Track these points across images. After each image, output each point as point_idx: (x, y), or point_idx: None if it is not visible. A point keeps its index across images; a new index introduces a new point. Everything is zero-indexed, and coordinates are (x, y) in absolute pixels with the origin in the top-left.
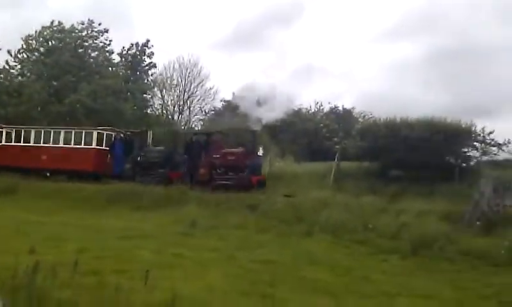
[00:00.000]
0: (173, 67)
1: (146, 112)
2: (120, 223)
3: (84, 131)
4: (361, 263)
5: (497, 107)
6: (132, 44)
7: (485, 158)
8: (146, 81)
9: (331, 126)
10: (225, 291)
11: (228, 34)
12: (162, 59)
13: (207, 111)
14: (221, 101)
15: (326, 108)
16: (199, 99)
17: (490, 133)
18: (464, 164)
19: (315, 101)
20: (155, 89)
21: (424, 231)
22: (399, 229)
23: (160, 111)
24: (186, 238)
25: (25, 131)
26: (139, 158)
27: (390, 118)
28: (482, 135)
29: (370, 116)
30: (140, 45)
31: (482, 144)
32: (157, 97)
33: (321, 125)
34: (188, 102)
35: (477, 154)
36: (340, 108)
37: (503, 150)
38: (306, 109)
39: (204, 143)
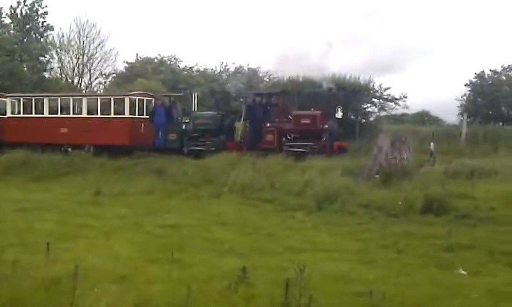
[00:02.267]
0: (70, 27)
1: (44, 75)
2: (18, 194)
3: (112, 97)
4: (268, 221)
5: (399, 63)
6: (19, 1)
7: (383, 113)
8: (43, 42)
9: (236, 86)
10: (132, 259)
11: None
12: (59, 21)
13: (107, 74)
14: (124, 62)
15: (231, 68)
16: (99, 61)
17: (387, 89)
18: (364, 120)
19: (220, 61)
20: (53, 51)
21: (327, 186)
22: (304, 186)
23: (59, 74)
24: (91, 206)
25: (36, 100)
26: (184, 126)
27: (294, 76)
28: (379, 91)
29: (275, 75)
30: (30, 3)
31: (380, 100)
32: (55, 60)
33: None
34: (88, 64)
35: (376, 110)
36: (246, 68)
37: (399, 105)
38: (212, 69)
39: (267, 105)
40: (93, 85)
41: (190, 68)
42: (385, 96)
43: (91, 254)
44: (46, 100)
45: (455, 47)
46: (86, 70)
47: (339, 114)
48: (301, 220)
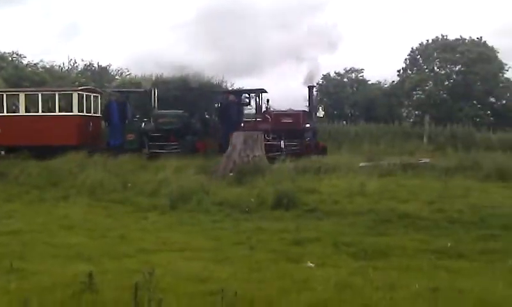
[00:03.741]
0: None
1: None
2: None
3: (56, 93)
4: (120, 223)
5: (257, 66)
6: None
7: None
8: None
9: (88, 84)
10: None
11: None
12: None
13: None
14: None
15: (81, 65)
16: None
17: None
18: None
19: (68, 57)
20: None
21: (182, 185)
22: (158, 186)
23: None
24: None
25: None
26: (143, 125)
27: (147, 75)
28: None
29: (128, 72)
30: None
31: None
32: None
33: (76, 83)
34: None
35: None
36: (96, 65)
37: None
38: (59, 66)
39: (240, 104)
40: None
41: (35, 64)
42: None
43: None
44: None
45: (305, 50)
46: None
47: (321, 113)
48: (154, 221)
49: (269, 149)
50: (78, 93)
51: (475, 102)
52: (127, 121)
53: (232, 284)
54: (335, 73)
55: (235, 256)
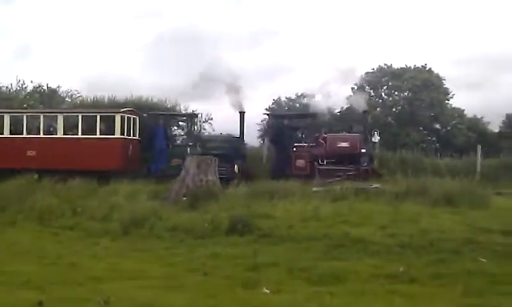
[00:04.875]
0: None
1: None
2: None
3: (98, 114)
4: (70, 250)
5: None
6: None
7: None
8: None
9: (36, 106)
10: None
11: None
12: None
13: None
14: None
15: (30, 87)
16: None
17: (192, 112)
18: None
19: (17, 78)
20: None
21: (134, 210)
22: (109, 211)
23: None
24: None
25: None
26: (189, 150)
27: (99, 97)
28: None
29: (78, 95)
30: None
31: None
32: None
33: (24, 105)
34: None
35: (182, 132)
36: (45, 87)
37: (205, 128)
38: (7, 87)
39: (293, 128)
40: None
41: None
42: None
43: None
44: (6, 118)
45: (257, 75)
46: None
47: (376, 138)
48: (105, 247)
49: (326, 174)
50: (121, 115)
51: (421, 128)
52: (171, 146)
53: None
54: (286, 98)
55: (189, 283)
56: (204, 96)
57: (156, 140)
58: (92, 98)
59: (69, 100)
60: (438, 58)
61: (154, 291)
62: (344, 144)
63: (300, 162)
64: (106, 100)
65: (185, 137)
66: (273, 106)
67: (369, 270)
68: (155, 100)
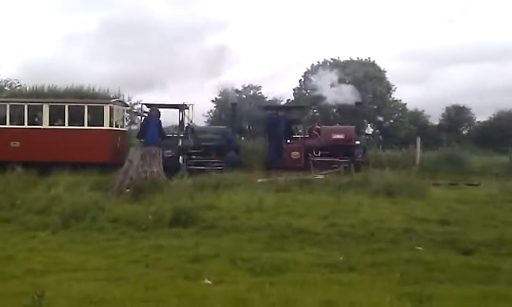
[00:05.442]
0: None
1: None
2: None
3: (86, 104)
4: (7, 243)
5: (160, 81)
6: None
7: (134, 127)
8: None
9: None
10: None
11: None
12: None
13: None
14: None
15: None
16: None
17: (136, 103)
18: None
19: None
20: None
21: (75, 202)
22: (49, 203)
23: None
24: None
25: None
26: (181, 142)
27: (38, 86)
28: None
29: (18, 84)
30: None
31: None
32: None
33: None
34: None
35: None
36: None
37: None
38: None
39: (288, 120)
40: None
41: None
42: (135, 110)
43: None
44: None
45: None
46: None
47: (369, 130)
48: (44, 240)
49: (323, 166)
50: (110, 106)
51: (365, 120)
52: (161, 138)
53: (126, 304)
54: (234, 89)
55: (130, 275)
56: (149, 87)
57: (148, 132)
58: (32, 87)
59: (8, 89)
60: (382, 52)
61: (93, 283)
62: (339, 136)
63: (295, 154)
64: (46, 89)
65: (176, 128)
66: (220, 97)
67: (310, 260)
68: (96, 89)
